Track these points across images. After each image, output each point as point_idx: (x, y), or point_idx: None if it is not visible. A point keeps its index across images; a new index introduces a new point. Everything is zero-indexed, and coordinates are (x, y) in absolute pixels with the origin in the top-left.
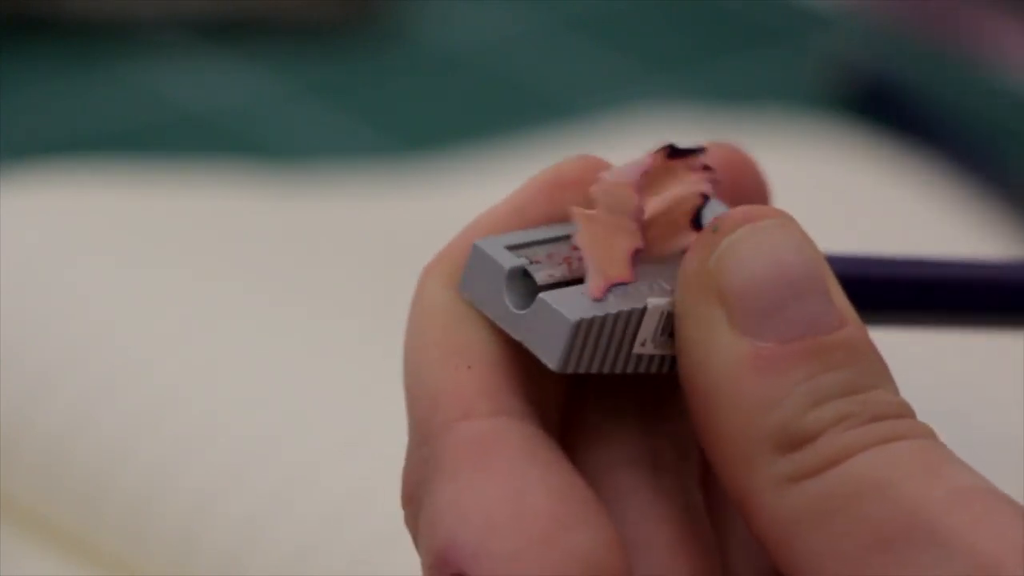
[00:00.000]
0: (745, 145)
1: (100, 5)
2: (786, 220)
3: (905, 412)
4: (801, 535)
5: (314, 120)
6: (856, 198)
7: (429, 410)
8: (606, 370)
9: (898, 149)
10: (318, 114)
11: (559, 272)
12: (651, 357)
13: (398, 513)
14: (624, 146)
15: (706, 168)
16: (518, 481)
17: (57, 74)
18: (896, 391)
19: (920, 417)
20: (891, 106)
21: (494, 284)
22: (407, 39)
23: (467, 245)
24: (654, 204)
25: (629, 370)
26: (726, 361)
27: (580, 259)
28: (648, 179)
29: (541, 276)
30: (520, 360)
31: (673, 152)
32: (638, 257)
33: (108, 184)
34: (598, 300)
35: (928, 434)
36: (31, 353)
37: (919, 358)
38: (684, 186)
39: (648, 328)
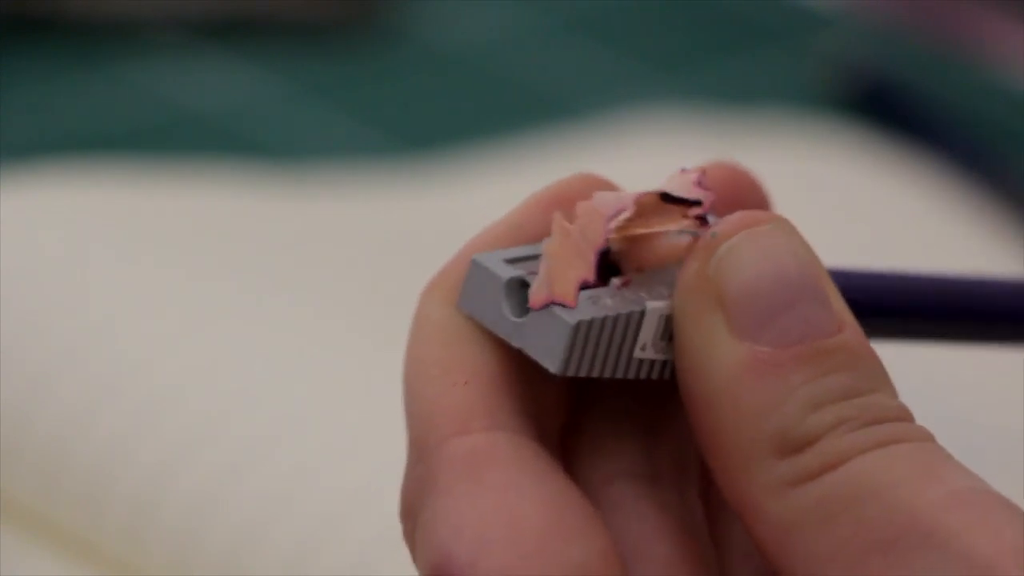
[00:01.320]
0: (745, 145)
1: (100, 5)
2: (784, 225)
3: (904, 415)
4: (801, 539)
5: (314, 120)
6: (856, 198)
7: (425, 427)
8: (607, 374)
9: (898, 149)
10: (318, 114)
11: None
12: (652, 362)
13: (398, 513)
14: (624, 146)
15: (696, 204)
16: (512, 494)
17: (57, 74)
18: (895, 395)
19: (920, 421)
20: (891, 106)
21: (493, 295)
22: (407, 39)
23: (466, 263)
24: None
25: (630, 375)
26: (725, 365)
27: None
28: (640, 211)
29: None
30: (519, 375)
31: (666, 198)
32: (581, 287)
33: (108, 184)
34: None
35: (927, 437)
36: (31, 353)
37: (917, 362)
38: (677, 226)
39: (648, 332)
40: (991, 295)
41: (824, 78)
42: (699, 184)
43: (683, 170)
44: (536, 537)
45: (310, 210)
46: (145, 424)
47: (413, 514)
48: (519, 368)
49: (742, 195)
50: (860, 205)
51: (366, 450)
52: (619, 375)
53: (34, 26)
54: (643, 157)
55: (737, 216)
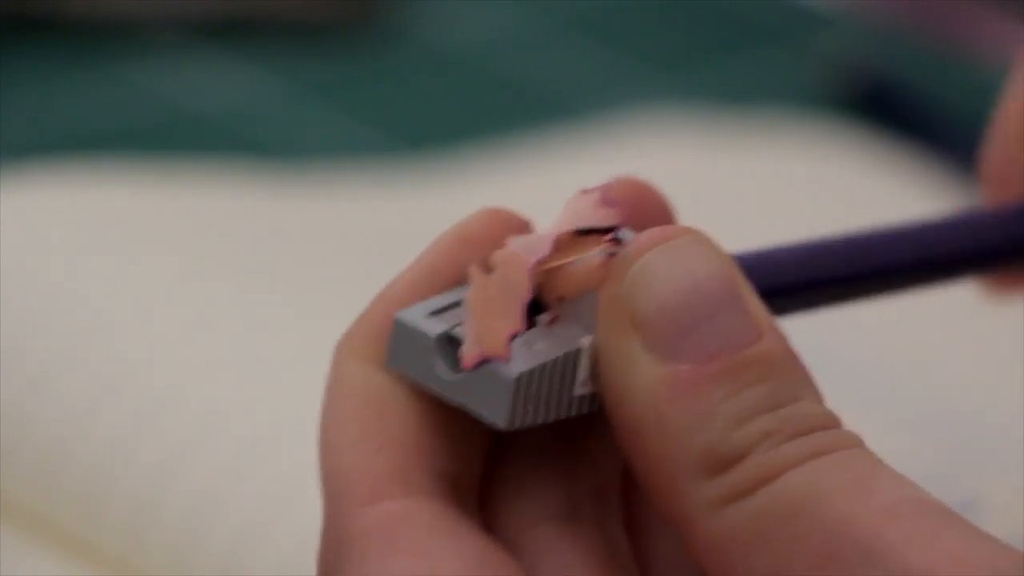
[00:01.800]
0: (745, 145)
1: (100, 5)
2: (694, 236)
3: (830, 423)
4: (737, 557)
5: (314, 120)
6: (856, 198)
7: (340, 492)
8: (551, 418)
9: (898, 149)
10: (318, 114)
11: None
12: (592, 396)
13: None
14: (624, 146)
15: (610, 231)
16: (428, 558)
17: (58, 74)
18: (820, 399)
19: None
20: (891, 106)
21: (423, 354)
22: (407, 39)
23: (378, 317)
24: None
25: (573, 413)
26: (646, 388)
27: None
28: (557, 247)
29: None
30: (437, 432)
31: (581, 232)
32: (513, 338)
33: (108, 184)
34: (508, 361)
35: (855, 443)
36: (31, 353)
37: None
38: (594, 249)
39: (585, 367)
40: (898, 240)
41: (824, 78)
42: (604, 202)
43: (584, 190)
44: None
45: (310, 210)
46: (145, 424)
47: None
48: (437, 425)
49: (648, 210)
50: (860, 205)
51: None
52: (562, 416)
53: (34, 26)
54: (643, 157)
55: (646, 234)
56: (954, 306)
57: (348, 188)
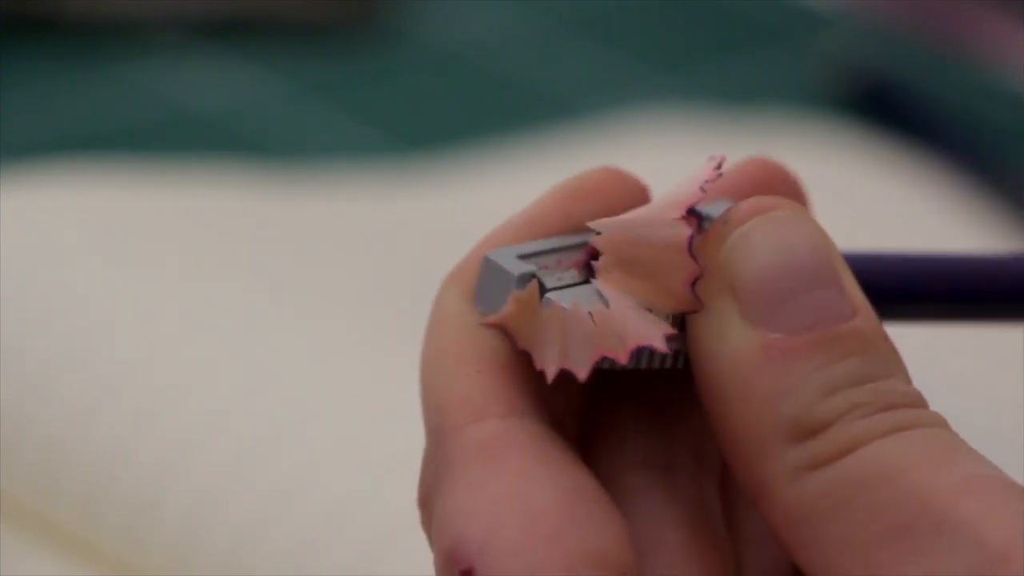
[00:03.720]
0: (745, 145)
1: (100, 5)
2: (797, 211)
3: (917, 402)
4: (815, 524)
5: (314, 120)
6: (856, 198)
7: (440, 415)
8: (631, 366)
9: (898, 149)
10: (318, 114)
11: (568, 276)
12: (677, 353)
13: (399, 513)
14: (624, 146)
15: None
16: (526, 479)
17: (58, 74)
18: (908, 380)
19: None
20: (891, 106)
21: (505, 292)
22: (407, 39)
23: (483, 256)
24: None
25: (643, 365)
26: (737, 352)
27: (589, 262)
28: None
29: (551, 280)
30: (532, 366)
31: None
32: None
33: (108, 184)
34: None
35: (940, 423)
36: (31, 353)
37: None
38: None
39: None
40: (1003, 272)
41: (824, 78)
42: (718, 168)
43: (711, 158)
44: (549, 520)
45: (310, 210)
46: (145, 424)
47: (430, 502)
48: (529, 359)
49: (776, 189)
50: (860, 205)
51: (366, 450)
52: (641, 367)
53: (34, 26)
54: (643, 157)
55: (749, 203)
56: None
57: (348, 188)
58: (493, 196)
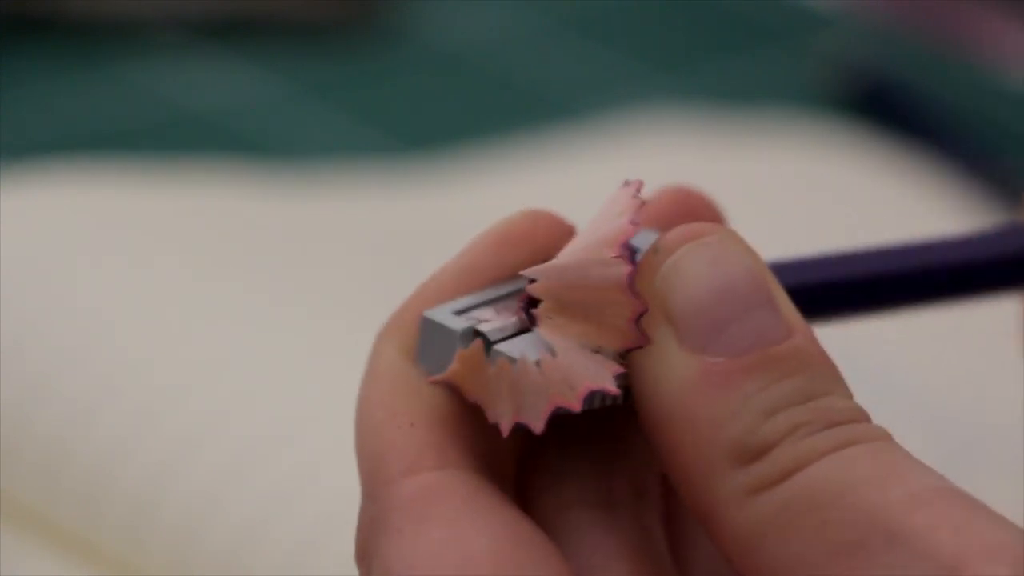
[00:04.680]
0: (745, 145)
1: (100, 5)
2: (727, 234)
3: (859, 416)
4: (765, 546)
5: (314, 120)
6: (855, 197)
7: (375, 467)
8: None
9: (898, 149)
10: (318, 114)
11: (511, 325)
12: (623, 388)
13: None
14: (624, 146)
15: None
16: (461, 528)
17: (58, 74)
18: (849, 395)
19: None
20: (891, 106)
21: (448, 349)
22: (407, 39)
23: (418, 309)
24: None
25: (596, 405)
26: (678, 380)
27: (528, 309)
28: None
29: (494, 333)
30: (469, 415)
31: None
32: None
33: (108, 184)
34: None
35: (883, 436)
36: (31, 353)
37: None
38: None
39: (615, 358)
40: (937, 255)
41: (824, 78)
42: (637, 193)
43: (626, 183)
44: (486, 569)
45: (310, 210)
46: (145, 424)
47: (368, 556)
48: (469, 410)
49: (697, 216)
50: (860, 205)
51: None
52: (593, 406)
53: (34, 26)
54: (643, 157)
55: (678, 230)
56: (952, 309)
57: (348, 188)
58: (493, 196)
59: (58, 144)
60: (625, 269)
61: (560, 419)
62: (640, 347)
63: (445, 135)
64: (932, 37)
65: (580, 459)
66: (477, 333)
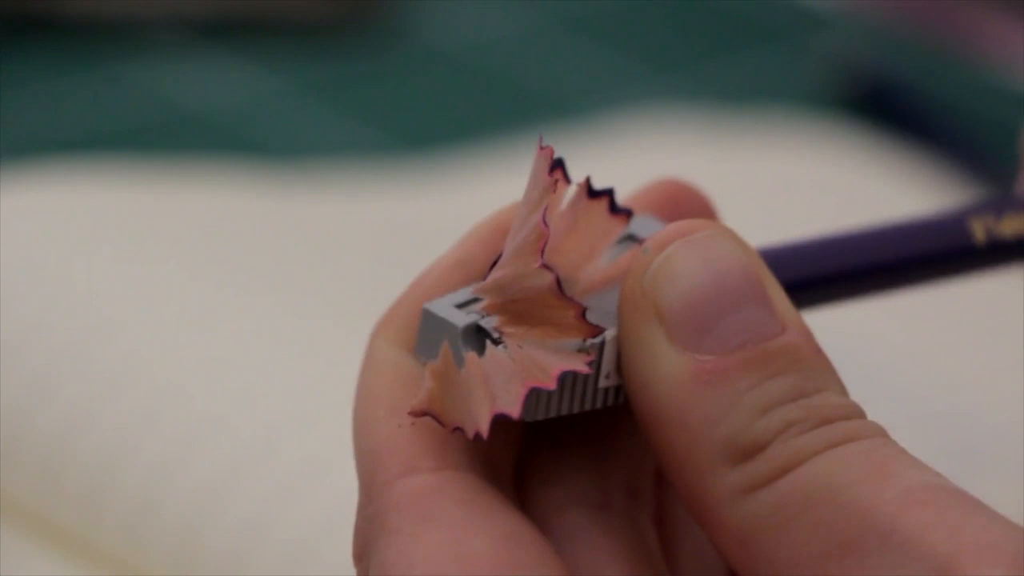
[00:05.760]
0: (745, 145)
1: (101, 5)
2: (719, 230)
3: (853, 413)
4: (759, 545)
5: (314, 120)
6: (856, 198)
7: (373, 467)
8: (575, 409)
9: (898, 149)
10: (318, 114)
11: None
12: (616, 388)
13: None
14: (624, 146)
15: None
16: (461, 531)
17: (58, 74)
18: (844, 391)
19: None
20: (891, 106)
21: (452, 344)
22: (407, 39)
23: (414, 303)
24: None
25: (597, 406)
26: (670, 379)
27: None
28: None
29: (495, 329)
30: None
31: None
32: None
33: (108, 184)
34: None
35: (878, 433)
36: (31, 353)
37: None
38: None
39: (610, 360)
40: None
41: (824, 78)
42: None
43: (580, 184)
44: (486, 569)
45: (310, 209)
46: (145, 423)
47: (366, 556)
48: None
49: (686, 209)
50: (860, 205)
51: None
52: (587, 407)
53: (34, 26)
54: (643, 157)
55: (671, 227)
56: (953, 305)
57: (348, 188)
58: (493, 196)
59: (58, 144)
60: (549, 277)
61: (555, 423)
62: (597, 334)
63: (445, 135)
64: (932, 37)
65: (576, 460)
66: (479, 329)
